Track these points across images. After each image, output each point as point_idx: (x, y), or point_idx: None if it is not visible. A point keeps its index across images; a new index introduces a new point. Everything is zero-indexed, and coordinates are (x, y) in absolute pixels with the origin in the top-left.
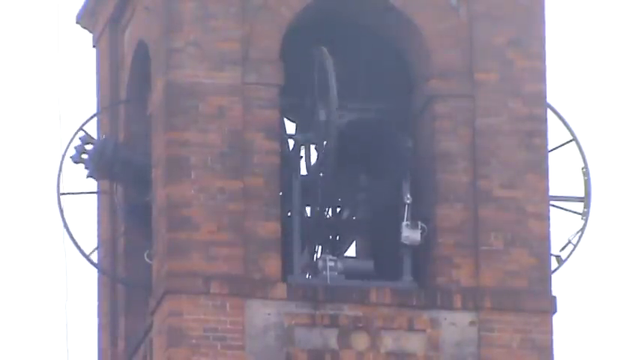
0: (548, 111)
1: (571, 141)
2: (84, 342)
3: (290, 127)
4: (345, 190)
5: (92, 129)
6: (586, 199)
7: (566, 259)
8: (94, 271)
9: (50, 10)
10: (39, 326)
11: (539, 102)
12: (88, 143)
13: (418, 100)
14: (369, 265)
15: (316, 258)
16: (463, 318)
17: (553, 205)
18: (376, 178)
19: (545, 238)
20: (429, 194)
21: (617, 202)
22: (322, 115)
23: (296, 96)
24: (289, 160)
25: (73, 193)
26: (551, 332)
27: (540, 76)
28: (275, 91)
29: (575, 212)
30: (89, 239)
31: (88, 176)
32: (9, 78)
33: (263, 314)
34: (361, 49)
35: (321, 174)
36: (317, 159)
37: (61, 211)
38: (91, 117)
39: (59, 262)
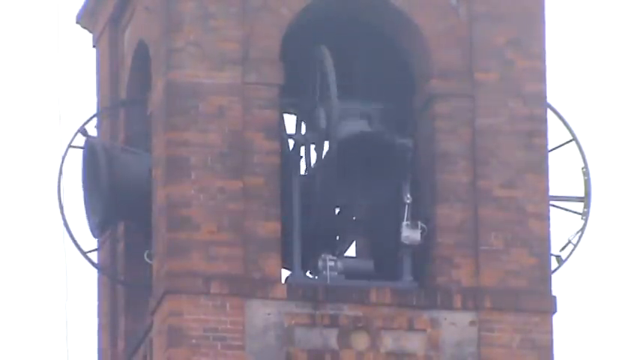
0: (548, 111)
1: (571, 141)
2: (84, 342)
3: (290, 127)
4: (344, 190)
5: (92, 129)
6: (586, 199)
7: (566, 259)
8: (94, 271)
9: (50, 10)
10: (39, 326)
11: (539, 102)
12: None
13: (418, 100)
14: (369, 265)
15: (316, 258)
16: (463, 318)
17: (553, 205)
18: (376, 185)
19: (545, 238)
20: (429, 194)
21: (617, 202)
22: (322, 115)
23: (296, 96)
24: (289, 160)
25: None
26: (551, 332)
27: (540, 76)
28: (275, 91)
29: (575, 212)
30: (89, 239)
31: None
32: (9, 78)
33: (263, 314)
34: (361, 49)
35: (321, 174)
36: (316, 159)
37: (62, 210)
38: (91, 117)
39: (59, 262)
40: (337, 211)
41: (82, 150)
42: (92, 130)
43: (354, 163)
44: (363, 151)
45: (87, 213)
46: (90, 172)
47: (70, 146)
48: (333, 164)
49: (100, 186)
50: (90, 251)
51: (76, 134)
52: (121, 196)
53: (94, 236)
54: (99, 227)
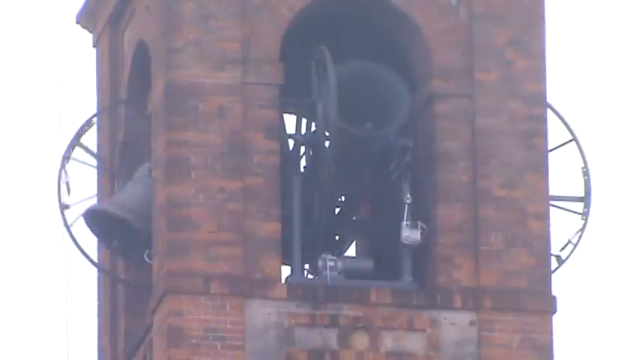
0: (548, 111)
1: (571, 141)
2: (84, 342)
3: (290, 127)
4: (345, 186)
5: (92, 129)
6: (586, 199)
7: (566, 259)
8: (94, 271)
9: (50, 10)
10: (39, 326)
11: (539, 102)
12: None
13: (418, 99)
14: (369, 265)
15: (316, 258)
16: (463, 318)
17: (553, 205)
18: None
19: (545, 238)
20: (429, 194)
21: (617, 202)
22: (322, 115)
23: (296, 96)
24: (289, 160)
25: (73, 204)
26: (551, 332)
27: (540, 76)
28: (275, 91)
29: (575, 212)
30: (89, 239)
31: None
32: (9, 78)
33: (263, 314)
34: (361, 49)
35: (321, 173)
36: (316, 159)
37: (62, 210)
38: (91, 117)
39: (59, 262)
40: (337, 211)
41: (84, 221)
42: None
43: (352, 160)
44: (361, 150)
45: (123, 249)
46: (106, 227)
47: (70, 146)
48: (333, 161)
49: (132, 231)
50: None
51: (76, 134)
52: (146, 222)
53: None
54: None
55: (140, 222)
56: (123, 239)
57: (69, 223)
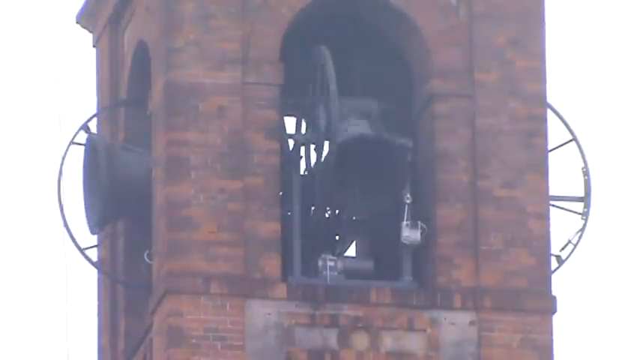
0: (548, 111)
1: (571, 141)
2: (84, 342)
3: (290, 127)
4: (343, 195)
5: (94, 127)
6: (586, 199)
7: (566, 259)
8: (94, 271)
9: (50, 10)
10: (39, 326)
11: (539, 102)
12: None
13: (418, 100)
14: (369, 265)
15: (316, 258)
16: (463, 318)
17: (553, 205)
18: (376, 190)
19: (545, 238)
20: (429, 194)
21: (617, 202)
22: (322, 115)
23: (296, 96)
24: (289, 160)
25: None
26: (551, 332)
27: (540, 76)
28: (275, 91)
29: (575, 212)
30: (89, 238)
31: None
32: (9, 78)
33: (263, 314)
34: (361, 49)
35: (320, 177)
36: (316, 159)
37: (62, 210)
38: (91, 117)
39: (59, 262)
40: (337, 211)
41: (83, 147)
42: (94, 127)
43: (353, 167)
44: (363, 154)
45: (86, 210)
46: (90, 168)
47: (71, 143)
48: (332, 167)
49: (99, 183)
50: (89, 247)
51: (78, 132)
52: (121, 194)
53: (92, 233)
54: (97, 224)
55: (108, 169)
56: (88, 179)
57: (75, 141)
